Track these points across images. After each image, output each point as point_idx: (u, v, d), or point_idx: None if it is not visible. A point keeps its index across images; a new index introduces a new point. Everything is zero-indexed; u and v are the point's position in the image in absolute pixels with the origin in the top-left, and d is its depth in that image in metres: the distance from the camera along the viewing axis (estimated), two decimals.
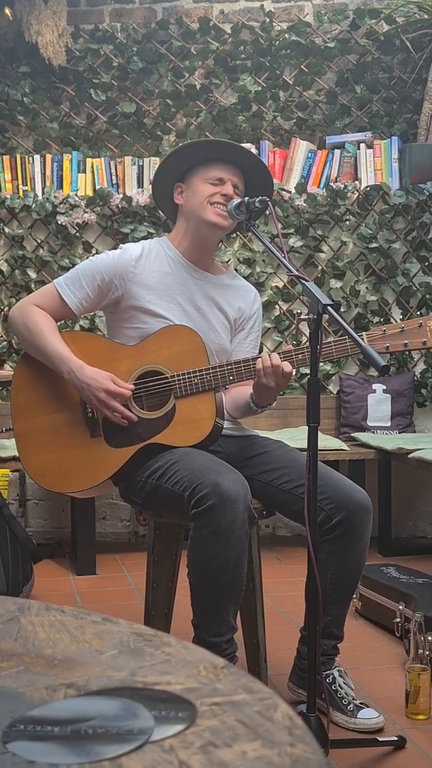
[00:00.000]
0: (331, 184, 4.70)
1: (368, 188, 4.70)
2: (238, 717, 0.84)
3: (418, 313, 4.76)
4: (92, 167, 4.75)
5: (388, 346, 2.33)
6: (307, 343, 2.16)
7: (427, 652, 2.50)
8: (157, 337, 2.50)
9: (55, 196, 4.69)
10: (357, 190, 4.70)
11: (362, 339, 2.27)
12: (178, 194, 2.63)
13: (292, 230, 4.73)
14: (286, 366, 2.35)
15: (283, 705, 0.86)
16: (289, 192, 4.70)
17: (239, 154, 2.59)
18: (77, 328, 4.65)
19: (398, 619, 3.03)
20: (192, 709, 0.86)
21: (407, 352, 4.74)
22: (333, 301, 2.06)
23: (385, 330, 2.35)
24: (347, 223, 4.76)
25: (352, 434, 4.60)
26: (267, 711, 0.85)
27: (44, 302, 2.59)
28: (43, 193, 4.73)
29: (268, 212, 4.45)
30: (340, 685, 2.49)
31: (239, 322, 2.69)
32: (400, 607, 3.04)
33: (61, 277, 2.62)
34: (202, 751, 0.78)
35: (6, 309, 4.74)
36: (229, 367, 2.42)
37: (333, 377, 4.81)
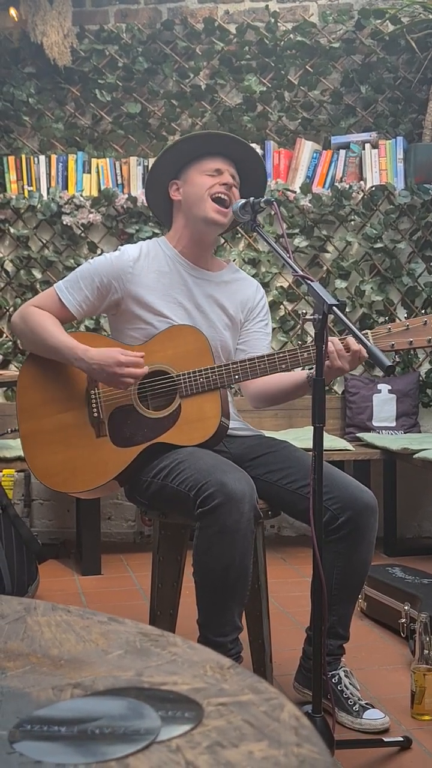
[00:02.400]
0: (336, 184, 4.69)
1: (373, 188, 4.70)
2: (245, 717, 0.84)
3: (423, 312, 4.75)
4: (97, 167, 4.75)
5: (393, 344, 2.33)
6: (312, 342, 2.16)
7: None
8: (162, 337, 2.50)
9: (60, 197, 4.69)
10: (362, 190, 4.70)
11: (367, 338, 2.27)
12: (175, 191, 2.64)
13: (297, 230, 4.73)
14: (364, 351, 2.28)
15: (289, 705, 0.86)
16: (294, 192, 4.70)
17: (230, 145, 2.60)
18: (82, 328, 4.65)
19: (403, 620, 3.03)
20: (198, 709, 0.86)
21: (412, 352, 4.74)
22: (338, 301, 2.06)
23: (390, 328, 2.35)
24: (352, 223, 4.76)
25: (357, 434, 4.59)
26: (273, 711, 0.85)
27: (45, 305, 2.59)
28: (48, 193, 4.73)
29: (273, 212, 4.47)
30: (345, 686, 2.49)
31: (245, 314, 2.70)
32: (406, 608, 3.04)
33: (62, 280, 2.63)
34: (208, 751, 0.78)
35: (11, 309, 4.75)
36: (235, 365, 2.42)
37: (338, 377, 4.80)
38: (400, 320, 4.72)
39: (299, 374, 2.52)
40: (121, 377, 2.41)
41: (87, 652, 1.03)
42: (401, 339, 2.32)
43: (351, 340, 2.33)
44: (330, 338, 2.33)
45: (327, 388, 4.66)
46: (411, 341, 2.31)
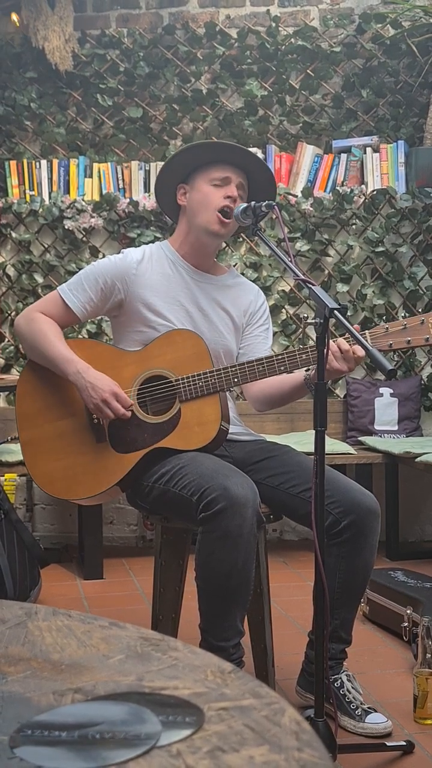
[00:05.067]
0: (338, 188, 4.69)
1: (374, 192, 4.70)
2: (246, 722, 0.84)
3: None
4: (99, 172, 4.76)
5: (391, 344, 2.33)
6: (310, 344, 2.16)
7: None
8: (161, 341, 2.50)
9: (62, 201, 4.70)
10: (363, 194, 4.70)
11: (366, 339, 2.27)
12: (181, 195, 2.64)
13: (298, 234, 4.73)
14: (359, 350, 2.30)
15: (290, 710, 0.86)
16: (296, 196, 4.70)
17: (243, 156, 2.60)
18: (84, 332, 4.65)
19: (406, 624, 3.03)
20: (199, 714, 0.86)
21: (414, 356, 4.74)
22: (339, 305, 2.06)
23: (387, 328, 2.35)
24: (354, 227, 4.76)
25: (359, 438, 4.59)
26: (274, 716, 0.85)
27: (49, 309, 2.60)
28: (50, 197, 4.74)
29: (274, 216, 4.47)
30: (348, 690, 2.48)
31: (246, 319, 2.70)
32: (408, 612, 3.03)
33: (64, 284, 2.64)
34: (209, 756, 0.77)
35: (13, 314, 4.75)
36: (234, 369, 2.42)
37: (340, 381, 4.80)
38: None
39: (298, 376, 2.52)
40: (107, 406, 2.43)
41: (88, 656, 1.03)
42: (399, 338, 2.33)
43: (341, 340, 2.34)
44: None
45: (329, 391, 4.66)
46: (409, 340, 2.32)
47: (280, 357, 2.40)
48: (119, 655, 1.03)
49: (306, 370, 2.46)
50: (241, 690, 0.91)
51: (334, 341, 2.34)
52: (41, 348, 2.54)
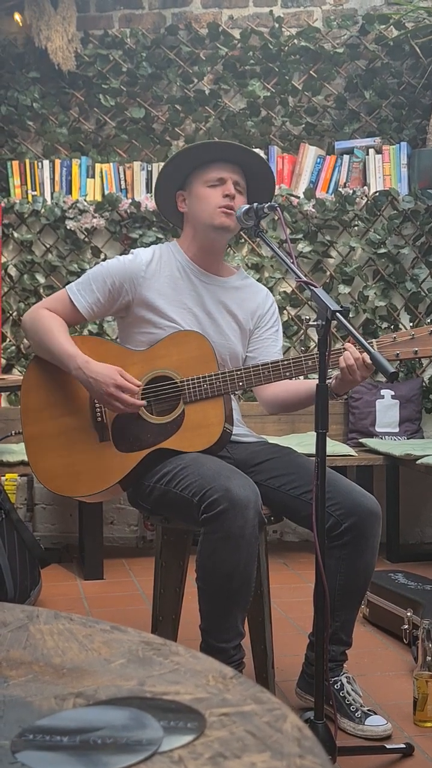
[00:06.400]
0: (340, 189, 4.69)
1: (377, 194, 4.69)
2: (247, 728, 0.84)
3: (428, 320, 4.74)
4: (101, 172, 4.76)
5: (398, 354, 2.32)
6: (316, 349, 2.15)
7: None
8: (167, 342, 2.50)
9: (64, 201, 4.70)
10: (366, 196, 4.69)
11: (371, 346, 2.26)
12: (181, 202, 2.65)
13: (300, 235, 4.73)
14: (366, 357, 2.29)
15: (292, 716, 0.86)
16: (298, 197, 4.70)
17: (236, 153, 2.60)
18: (85, 332, 4.65)
19: (406, 626, 3.03)
20: (201, 720, 0.86)
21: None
22: (341, 306, 2.06)
23: (395, 337, 2.34)
24: (356, 228, 4.75)
25: (360, 440, 4.59)
26: (276, 722, 0.85)
27: (56, 307, 2.60)
28: (52, 198, 4.74)
29: (276, 218, 4.47)
30: (348, 692, 2.48)
31: (255, 322, 2.69)
32: (408, 614, 3.03)
33: (73, 282, 2.64)
34: (211, 762, 0.77)
35: (14, 314, 4.75)
36: (239, 372, 2.43)
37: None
38: (404, 325, 4.73)
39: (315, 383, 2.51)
40: (114, 400, 2.43)
41: (89, 661, 1.03)
42: (406, 348, 2.31)
43: (352, 348, 2.33)
44: (346, 349, 2.32)
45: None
46: (416, 351, 2.30)
47: (286, 362, 2.40)
48: (121, 660, 1.03)
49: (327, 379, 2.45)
50: (243, 695, 0.91)
51: (358, 352, 2.31)
52: (45, 343, 2.54)
